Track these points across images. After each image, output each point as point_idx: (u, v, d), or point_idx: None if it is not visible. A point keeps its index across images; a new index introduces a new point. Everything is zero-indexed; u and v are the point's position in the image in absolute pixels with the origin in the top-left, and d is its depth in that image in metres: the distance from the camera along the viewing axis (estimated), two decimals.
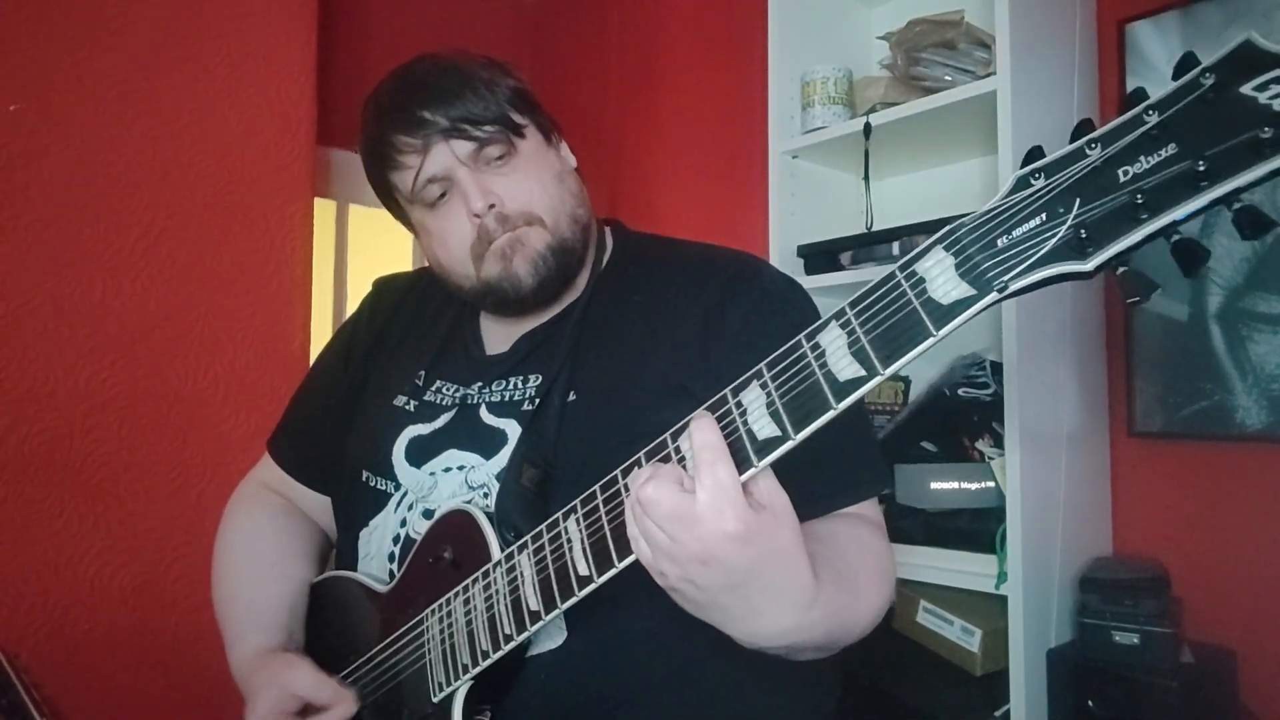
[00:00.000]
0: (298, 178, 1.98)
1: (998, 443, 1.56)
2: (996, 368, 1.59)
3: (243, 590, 1.03)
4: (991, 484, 1.54)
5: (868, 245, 1.76)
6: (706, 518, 0.61)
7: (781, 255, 1.85)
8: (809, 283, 1.79)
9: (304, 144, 1.99)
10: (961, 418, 1.65)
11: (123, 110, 1.76)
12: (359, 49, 2.38)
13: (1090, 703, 1.39)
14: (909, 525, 1.60)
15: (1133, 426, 1.66)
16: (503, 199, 0.90)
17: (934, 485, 1.58)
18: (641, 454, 0.69)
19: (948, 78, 1.67)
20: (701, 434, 0.63)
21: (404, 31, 2.52)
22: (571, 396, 0.90)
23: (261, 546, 1.07)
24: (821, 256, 1.82)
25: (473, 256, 0.92)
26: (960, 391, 1.66)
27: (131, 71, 1.77)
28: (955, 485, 1.57)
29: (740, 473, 0.63)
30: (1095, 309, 1.69)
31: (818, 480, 0.79)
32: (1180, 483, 1.61)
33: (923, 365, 1.92)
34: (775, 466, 0.72)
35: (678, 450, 0.67)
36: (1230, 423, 1.54)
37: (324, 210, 2.29)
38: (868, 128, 1.72)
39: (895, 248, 1.68)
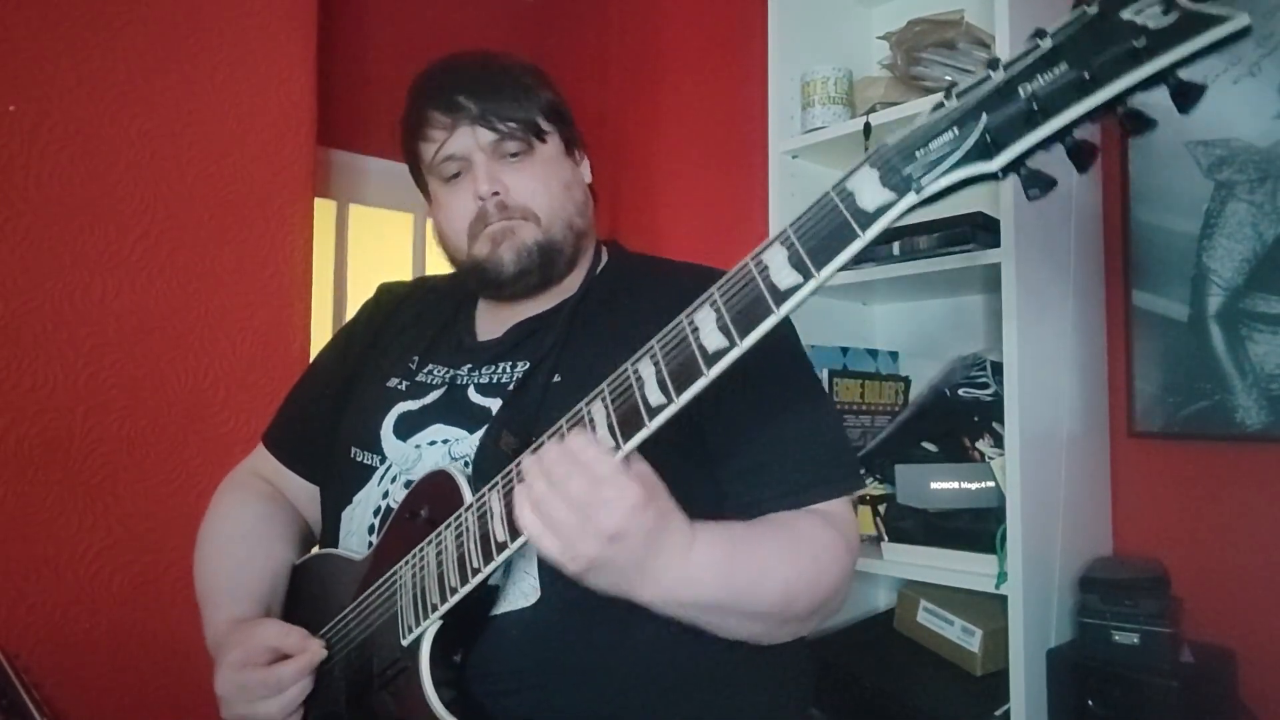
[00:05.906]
0: (298, 178, 1.98)
1: (998, 443, 1.56)
2: (996, 368, 1.59)
3: (224, 566, 1.06)
4: (991, 484, 1.54)
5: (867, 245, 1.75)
6: (610, 496, 0.70)
7: None
8: None
9: (304, 144, 1.99)
10: (961, 418, 1.65)
11: (122, 110, 1.76)
12: (359, 49, 2.37)
13: (1090, 703, 1.39)
14: (909, 525, 1.60)
15: (1133, 426, 1.66)
16: (508, 189, 0.98)
17: (934, 485, 1.58)
18: (563, 420, 0.77)
19: (948, 78, 1.67)
20: (574, 439, 0.72)
21: (404, 31, 2.51)
22: (556, 378, 0.94)
23: (246, 527, 1.10)
24: None
25: (469, 234, 1.00)
26: (960, 391, 1.66)
27: (131, 72, 1.77)
28: (955, 485, 1.57)
29: (697, 380, 0.69)
30: (1096, 309, 1.69)
31: (777, 478, 0.89)
32: (1180, 483, 1.61)
33: (923, 365, 1.92)
34: (745, 461, 0.88)
35: (589, 414, 0.75)
36: (1230, 423, 1.55)
37: (324, 210, 2.28)
38: (868, 128, 1.72)
39: (895, 248, 1.68)
